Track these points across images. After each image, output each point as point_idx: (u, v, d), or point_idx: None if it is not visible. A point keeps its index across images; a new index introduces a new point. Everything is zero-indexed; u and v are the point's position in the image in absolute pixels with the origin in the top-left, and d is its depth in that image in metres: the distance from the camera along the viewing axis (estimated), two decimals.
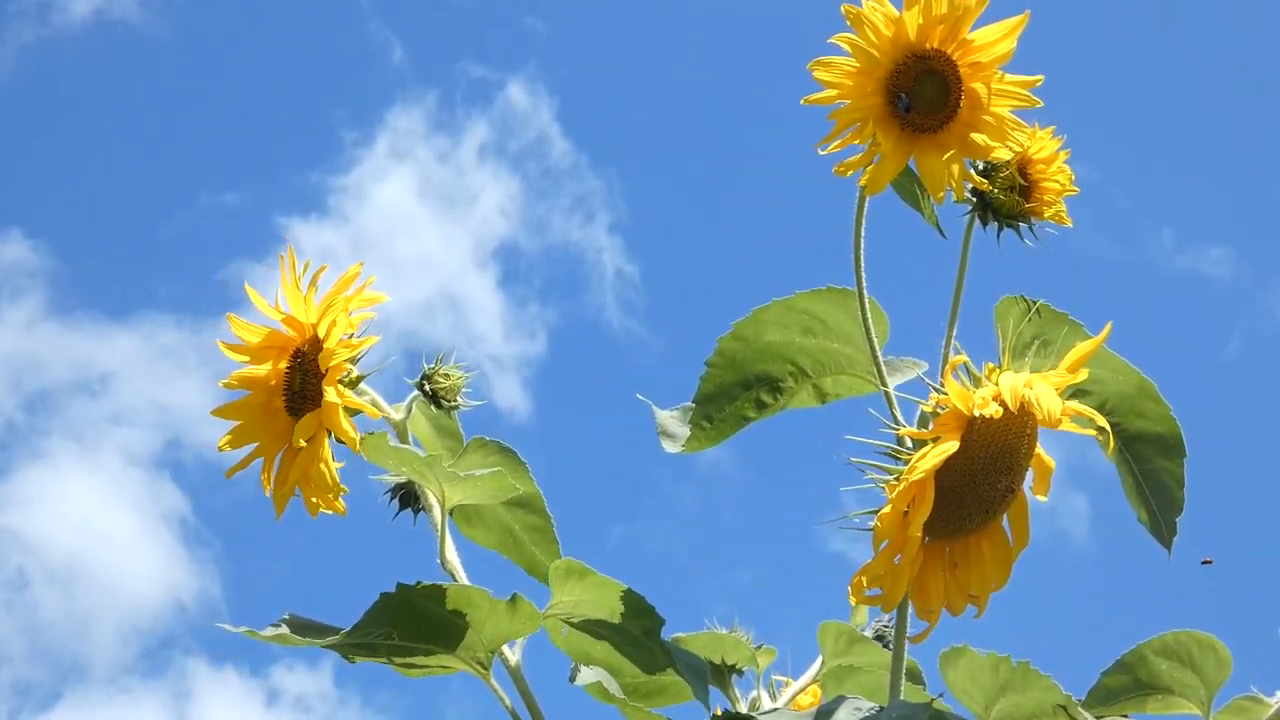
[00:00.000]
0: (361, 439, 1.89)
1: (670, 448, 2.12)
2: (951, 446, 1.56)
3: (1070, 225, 1.93)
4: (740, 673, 2.35)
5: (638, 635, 2.09)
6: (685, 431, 2.11)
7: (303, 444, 1.87)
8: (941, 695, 2.17)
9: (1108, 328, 1.67)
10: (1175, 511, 2.07)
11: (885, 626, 2.42)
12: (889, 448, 1.63)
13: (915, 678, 2.35)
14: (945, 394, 1.58)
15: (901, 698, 1.98)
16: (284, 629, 1.91)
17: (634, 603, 2.07)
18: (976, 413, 1.55)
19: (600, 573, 2.06)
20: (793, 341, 2.05)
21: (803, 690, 2.38)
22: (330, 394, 1.86)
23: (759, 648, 2.38)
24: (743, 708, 2.33)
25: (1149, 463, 2.08)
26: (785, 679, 2.43)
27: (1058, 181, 1.89)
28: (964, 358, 1.61)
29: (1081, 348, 1.62)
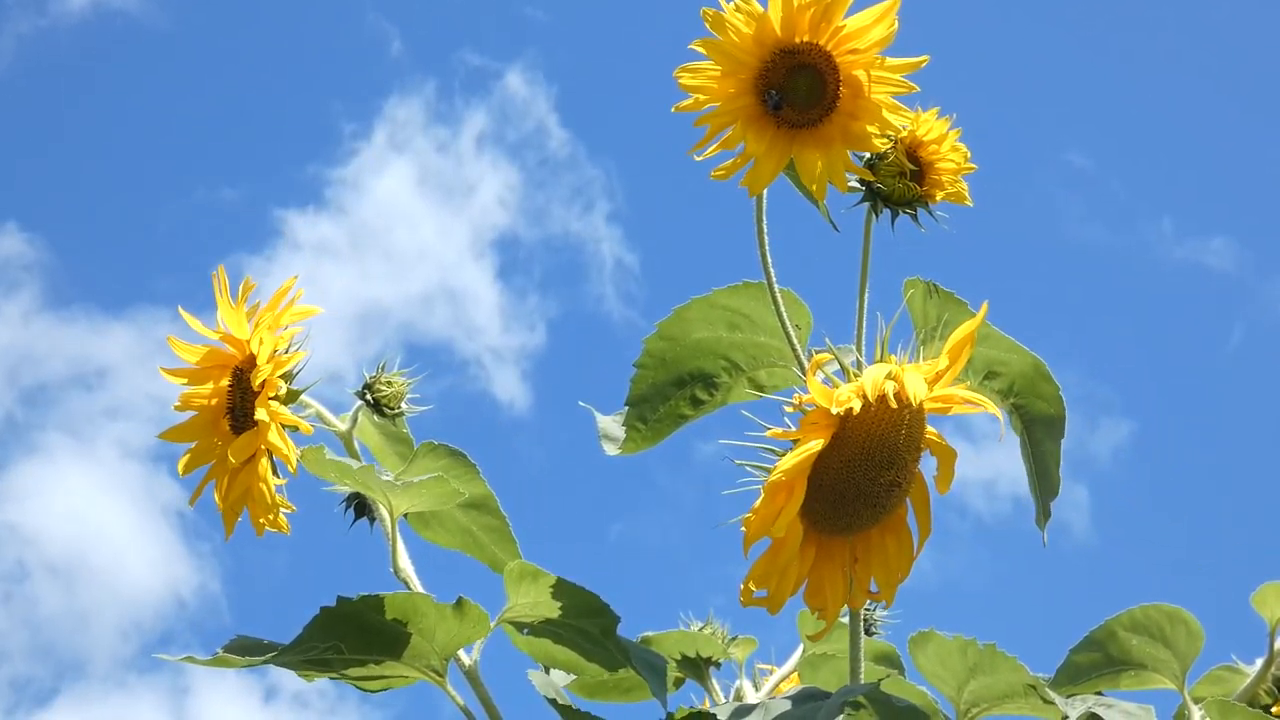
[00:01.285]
0: (300, 453, 1.91)
1: (610, 450, 2.12)
2: (816, 446, 1.54)
3: (970, 205, 1.89)
4: (717, 665, 2.36)
5: (595, 634, 2.10)
6: (624, 433, 2.12)
7: (233, 462, 1.90)
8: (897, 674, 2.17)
9: (984, 307, 1.63)
10: (1052, 495, 2.04)
11: (867, 611, 2.42)
12: (765, 447, 1.61)
13: (893, 663, 2.34)
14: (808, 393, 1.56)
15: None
16: (221, 653, 1.95)
17: (589, 602, 2.08)
18: (835, 410, 1.54)
19: (552, 573, 2.07)
20: (721, 338, 2.05)
21: (785, 679, 2.38)
22: (261, 413, 1.86)
23: (735, 639, 2.39)
24: (722, 699, 2.34)
25: (1040, 445, 2.05)
26: (770, 667, 2.43)
27: (952, 161, 1.85)
28: (828, 355, 1.60)
29: (958, 333, 1.59)
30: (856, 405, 1.53)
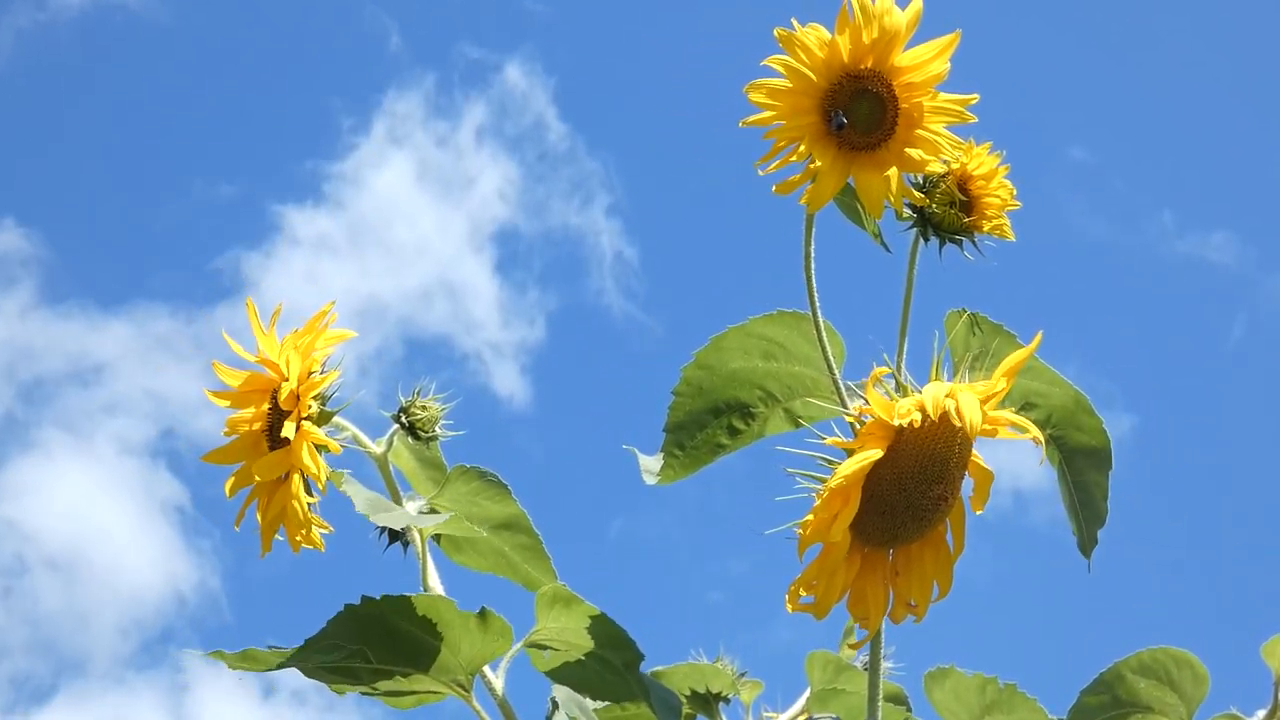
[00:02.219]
0: (329, 475, 1.94)
1: (649, 481, 2.14)
2: (874, 454, 1.59)
3: (1013, 239, 1.96)
4: (726, 700, 2.39)
5: (617, 666, 2.13)
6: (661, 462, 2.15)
7: (258, 479, 1.92)
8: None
9: (1038, 337, 1.69)
10: (1099, 524, 2.09)
11: None
12: (820, 458, 1.66)
13: (899, 701, 2.38)
14: (868, 405, 1.62)
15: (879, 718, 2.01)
16: (251, 650, 1.96)
17: (615, 634, 2.11)
18: (897, 422, 1.59)
19: (586, 601, 2.10)
20: (757, 367, 2.09)
21: None
22: (289, 430, 1.89)
23: (743, 676, 2.42)
24: None
25: (1082, 475, 2.10)
26: (774, 715, 2.46)
27: (999, 196, 1.92)
28: (886, 369, 1.65)
29: (1011, 358, 1.65)
30: (917, 418, 1.58)
